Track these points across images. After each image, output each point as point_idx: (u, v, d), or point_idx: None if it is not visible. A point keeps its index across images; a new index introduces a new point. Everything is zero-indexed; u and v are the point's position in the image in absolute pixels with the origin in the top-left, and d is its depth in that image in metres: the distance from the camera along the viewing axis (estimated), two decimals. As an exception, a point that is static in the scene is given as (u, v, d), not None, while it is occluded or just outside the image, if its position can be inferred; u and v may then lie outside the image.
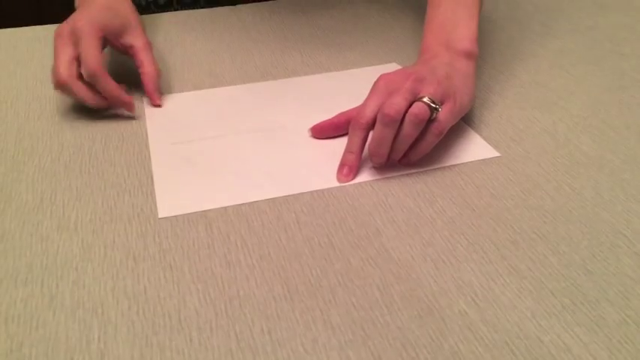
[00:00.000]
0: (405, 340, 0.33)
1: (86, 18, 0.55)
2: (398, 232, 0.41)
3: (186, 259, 0.39)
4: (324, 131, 0.51)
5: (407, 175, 0.46)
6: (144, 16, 0.68)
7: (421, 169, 0.47)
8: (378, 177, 0.46)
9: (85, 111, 0.55)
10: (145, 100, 0.57)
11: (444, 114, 0.45)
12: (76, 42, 0.53)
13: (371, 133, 0.46)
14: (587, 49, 0.65)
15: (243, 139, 0.51)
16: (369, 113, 0.46)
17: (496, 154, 0.49)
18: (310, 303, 0.35)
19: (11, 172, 0.47)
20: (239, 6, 0.76)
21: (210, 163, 0.48)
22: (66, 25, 0.54)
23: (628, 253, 0.39)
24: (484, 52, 0.64)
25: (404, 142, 0.45)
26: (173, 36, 0.69)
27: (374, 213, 0.42)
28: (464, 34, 0.53)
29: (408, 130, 0.44)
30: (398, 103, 0.44)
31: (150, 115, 0.55)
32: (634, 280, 0.37)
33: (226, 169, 0.47)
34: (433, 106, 0.45)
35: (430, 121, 0.45)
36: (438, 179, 0.46)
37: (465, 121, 0.52)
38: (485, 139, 0.50)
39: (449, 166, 0.47)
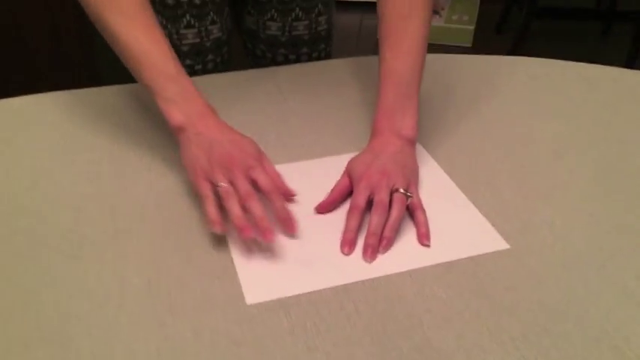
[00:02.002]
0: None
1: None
2: (435, 322, 0.52)
3: (276, 345, 0.50)
4: (328, 209, 0.65)
5: (437, 266, 0.58)
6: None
7: (447, 260, 0.59)
8: (415, 267, 0.58)
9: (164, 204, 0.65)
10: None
11: (416, 196, 0.64)
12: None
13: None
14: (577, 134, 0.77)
15: (303, 227, 0.62)
16: (361, 203, 0.62)
17: (507, 246, 0.61)
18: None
19: (119, 256, 0.57)
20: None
21: (281, 251, 0.59)
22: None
23: (609, 346, 0.51)
24: (489, 135, 0.76)
25: (397, 223, 0.61)
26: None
27: (415, 303, 0.54)
28: (409, 123, 0.70)
29: (397, 214, 0.61)
30: (384, 199, 0.62)
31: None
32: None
33: (294, 257, 0.58)
34: (408, 194, 0.63)
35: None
36: (461, 270, 0.58)
37: (478, 208, 0.64)
38: (495, 226, 0.63)
39: (469, 258, 0.59)
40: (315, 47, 1.01)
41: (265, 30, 0.98)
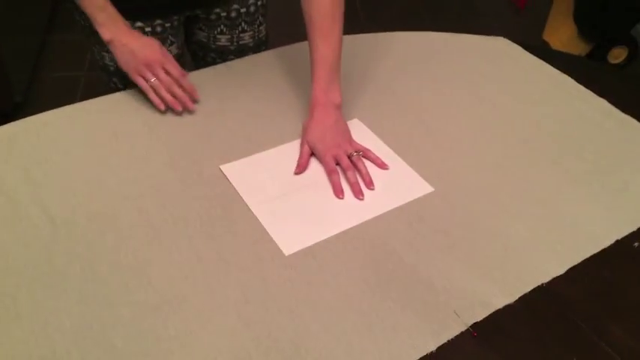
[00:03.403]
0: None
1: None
2: (404, 248, 0.85)
3: (322, 280, 0.80)
4: (304, 168, 0.96)
5: (389, 212, 0.90)
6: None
7: (398, 205, 0.91)
8: (380, 214, 0.90)
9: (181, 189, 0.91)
10: (225, 170, 0.94)
11: (363, 150, 0.98)
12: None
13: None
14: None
15: (306, 193, 0.91)
16: (334, 167, 0.94)
17: (431, 188, 0.94)
18: (386, 291, 0.79)
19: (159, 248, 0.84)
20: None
21: (295, 211, 0.88)
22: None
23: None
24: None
25: (368, 173, 0.92)
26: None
27: (393, 238, 0.86)
28: (337, 94, 1.00)
29: (365, 169, 0.93)
30: (348, 162, 0.94)
31: (234, 181, 0.92)
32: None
33: (306, 215, 0.88)
34: (360, 154, 0.96)
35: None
36: (414, 208, 0.90)
37: (405, 161, 0.97)
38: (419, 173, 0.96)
39: (415, 199, 0.92)
40: (257, 50, 1.27)
41: (216, 42, 1.23)
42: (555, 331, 0.75)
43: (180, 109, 1.04)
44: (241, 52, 1.25)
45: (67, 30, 2.57)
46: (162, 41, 1.11)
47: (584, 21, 2.36)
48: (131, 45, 1.00)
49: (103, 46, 1.09)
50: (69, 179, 0.92)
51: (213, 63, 1.25)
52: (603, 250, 0.84)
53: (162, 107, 1.04)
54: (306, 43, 1.03)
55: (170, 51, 1.14)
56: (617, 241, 0.86)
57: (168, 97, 1.03)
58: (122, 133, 1.01)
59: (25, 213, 0.86)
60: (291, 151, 0.99)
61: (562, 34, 2.47)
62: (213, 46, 1.24)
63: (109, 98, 1.08)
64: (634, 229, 0.87)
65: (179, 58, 1.17)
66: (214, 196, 0.90)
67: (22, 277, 0.77)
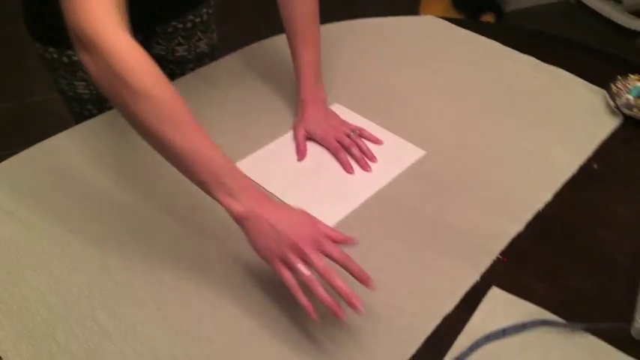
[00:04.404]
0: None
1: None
2: (417, 204, 0.97)
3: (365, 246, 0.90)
4: (304, 155, 1.04)
5: (395, 178, 1.02)
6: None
7: (398, 173, 1.03)
8: (390, 181, 1.01)
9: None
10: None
11: (358, 129, 1.07)
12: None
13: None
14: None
15: (316, 177, 1.00)
16: (338, 145, 1.03)
17: (422, 151, 1.07)
18: (422, 242, 0.91)
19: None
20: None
21: (314, 193, 0.97)
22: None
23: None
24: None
25: (367, 149, 1.03)
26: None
27: (409, 198, 0.98)
28: (322, 92, 1.10)
29: (365, 146, 1.04)
30: (348, 141, 1.03)
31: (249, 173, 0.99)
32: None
33: (328, 194, 0.97)
34: (355, 132, 1.05)
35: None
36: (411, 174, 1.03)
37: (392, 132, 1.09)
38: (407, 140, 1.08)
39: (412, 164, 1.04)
40: (213, 55, 1.32)
41: (174, 53, 1.27)
42: (559, 245, 0.91)
43: (345, 319, 0.69)
44: (199, 59, 1.30)
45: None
46: None
47: (456, -7, 2.63)
48: (273, 220, 0.71)
49: (74, 75, 1.09)
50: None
51: (172, 74, 1.29)
52: (573, 175, 1.02)
53: (316, 317, 0.71)
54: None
55: None
56: (580, 166, 1.04)
57: (326, 297, 0.69)
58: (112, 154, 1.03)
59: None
60: (289, 141, 1.07)
61: (436, 7, 2.73)
62: (171, 58, 1.27)
63: (96, 122, 1.10)
64: (589, 154, 1.06)
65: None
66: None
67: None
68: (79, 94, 1.14)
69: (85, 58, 0.70)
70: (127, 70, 0.68)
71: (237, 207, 0.71)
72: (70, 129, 1.08)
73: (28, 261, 0.85)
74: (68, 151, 1.04)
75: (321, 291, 0.69)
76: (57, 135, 1.07)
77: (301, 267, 0.69)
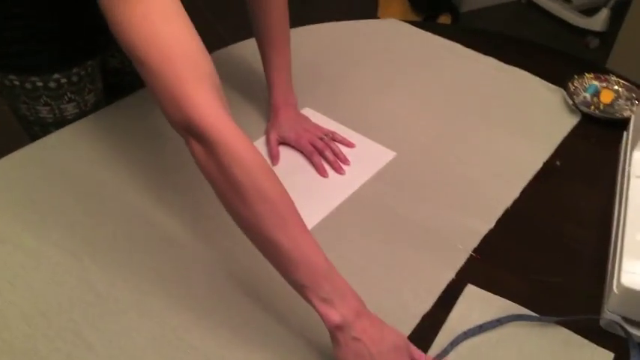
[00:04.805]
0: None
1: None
2: (398, 199, 0.99)
3: (342, 247, 0.91)
4: (278, 159, 1.05)
5: (368, 180, 1.04)
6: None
7: (364, 179, 1.05)
8: (363, 183, 1.03)
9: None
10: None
11: (330, 133, 1.08)
12: None
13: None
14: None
15: (291, 180, 1.01)
16: (312, 149, 1.05)
17: (393, 153, 1.09)
18: (398, 241, 0.93)
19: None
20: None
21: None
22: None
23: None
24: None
25: (339, 152, 1.05)
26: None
27: (382, 199, 1.00)
28: (292, 96, 1.11)
29: (335, 147, 1.06)
30: (322, 144, 1.05)
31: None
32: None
33: (303, 197, 0.98)
34: (328, 136, 1.07)
35: None
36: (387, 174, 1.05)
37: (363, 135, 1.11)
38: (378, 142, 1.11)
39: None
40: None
41: (131, 65, 1.25)
42: (528, 240, 0.95)
43: None
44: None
45: None
46: (80, 91, 1.09)
47: (413, -5, 2.67)
48: (369, 341, 0.68)
49: (36, 100, 1.06)
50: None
51: (131, 85, 1.26)
52: (538, 172, 1.06)
53: None
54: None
55: (87, 100, 1.12)
56: (544, 163, 1.08)
57: None
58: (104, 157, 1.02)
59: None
60: (261, 147, 1.08)
61: (395, 9, 2.77)
62: (128, 69, 1.25)
63: (74, 127, 1.08)
64: (552, 151, 1.11)
65: (97, 105, 1.15)
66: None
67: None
68: (42, 119, 1.10)
69: (200, 155, 0.69)
70: (246, 174, 0.67)
71: (334, 316, 0.67)
72: (34, 143, 1.06)
73: (4, 275, 0.84)
74: (37, 162, 1.02)
75: None
76: (22, 148, 1.05)
77: None
